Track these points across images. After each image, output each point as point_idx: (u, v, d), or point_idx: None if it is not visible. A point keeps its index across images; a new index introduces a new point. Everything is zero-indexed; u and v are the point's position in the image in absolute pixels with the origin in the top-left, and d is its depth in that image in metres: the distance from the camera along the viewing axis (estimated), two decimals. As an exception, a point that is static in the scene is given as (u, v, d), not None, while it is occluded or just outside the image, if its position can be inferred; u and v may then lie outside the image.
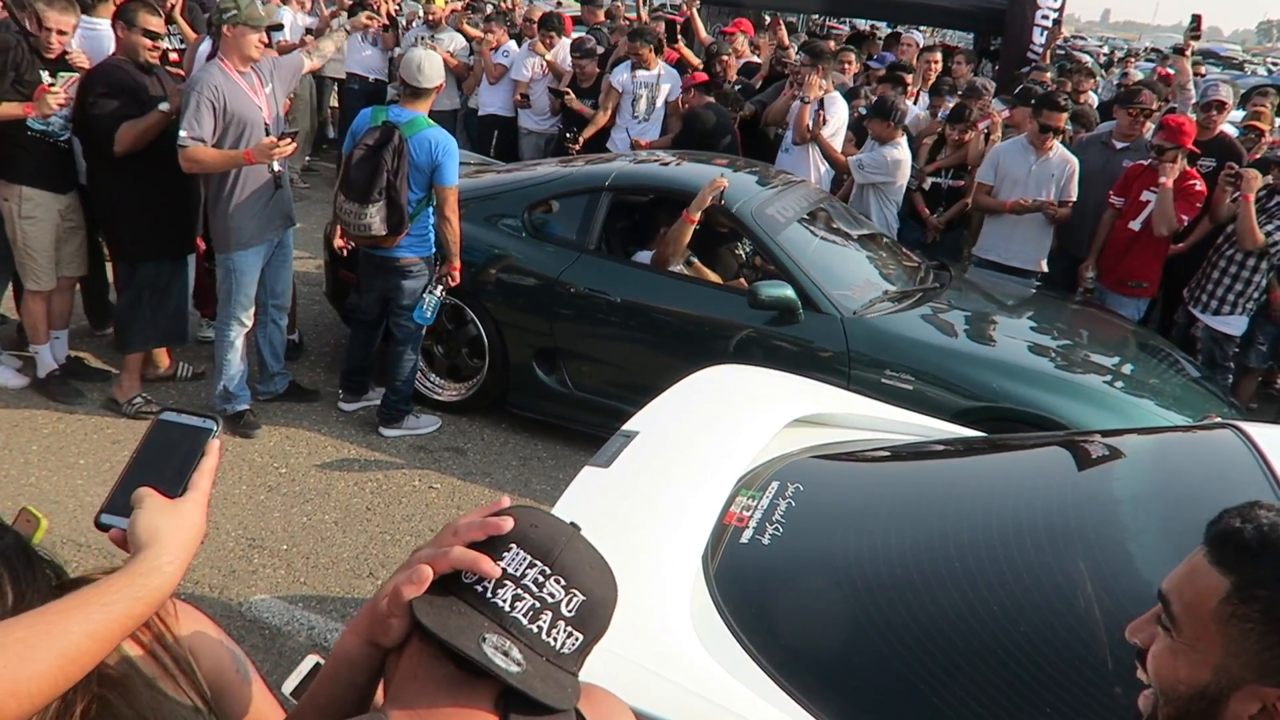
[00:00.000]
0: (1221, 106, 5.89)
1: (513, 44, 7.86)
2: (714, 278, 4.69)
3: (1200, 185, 5.21)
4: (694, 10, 8.03)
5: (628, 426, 2.69)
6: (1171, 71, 8.19)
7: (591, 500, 2.38)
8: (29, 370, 4.82)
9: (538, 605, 0.98)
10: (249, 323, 4.57)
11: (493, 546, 0.99)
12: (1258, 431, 2.37)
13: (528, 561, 0.99)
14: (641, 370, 4.42)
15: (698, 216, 4.45)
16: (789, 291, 4.16)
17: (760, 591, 2.18)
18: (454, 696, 0.98)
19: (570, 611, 0.99)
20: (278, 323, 4.79)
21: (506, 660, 0.94)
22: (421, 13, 8.38)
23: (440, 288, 4.47)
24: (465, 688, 0.98)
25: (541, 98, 7.44)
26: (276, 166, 4.37)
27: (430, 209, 4.41)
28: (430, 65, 4.33)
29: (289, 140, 4.26)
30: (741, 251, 5.08)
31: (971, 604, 2.05)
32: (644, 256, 4.69)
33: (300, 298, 5.69)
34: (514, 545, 0.99)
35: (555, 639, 0.99)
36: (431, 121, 4.36)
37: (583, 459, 2.54)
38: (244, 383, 4.64)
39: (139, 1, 4.28)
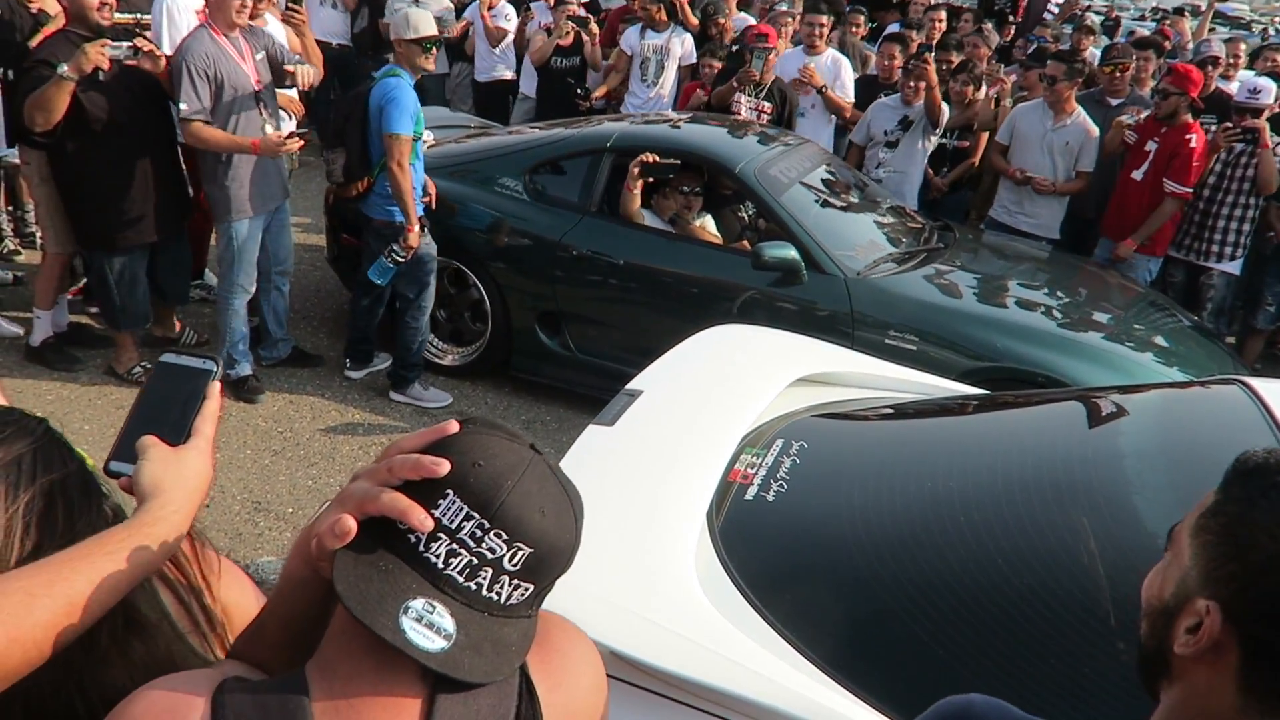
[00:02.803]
0: (1215, 62, 5.83)
1: (510, 7, 7.70)
2: (717, 239, 4.66)
3: (1194, 142, 5.17)
4: None
5: (631, 385, 2.69)
6: (1172, 30, 8.12)
7: (596, 458, 2.38)
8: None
9: (475, 562, 0.88)
10: (251, 289, 4.55)
11: (428, 491, 0.88)
12: (1263, 386, 2.36)
13: (464, 513, 0.88)
14: (644, 333, 4.41)
15: (634, 187, 4.49)
16: (792, 252, 4.14)
17: (765, 547, 2.19)
18: (377, 664, 0.90)
19: (514, 566, 0.89)
20: (280, 289, 4.78)
21: (430, 635, 0.86)
22: None
23: (394, 250, 4.28)
24: (388, 656, 0.89)
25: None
26: (286, 164, 4.35)
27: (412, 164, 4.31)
28: (416, 17, 4.25)
29: (296, 138, 4.24)
30: (745, 213, 5.06)
31: (975, 559, 2.05)
32: (651, 218, 4.66)
33: (300, 263, 5.68)
34: (450, 492, 0.88)
35: (499, 594, 0.90)
36: (398, 71, 4.25)
37: (586, 422, 2.54)
38: (246, 348, 4.63)
39: None
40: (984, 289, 4.44)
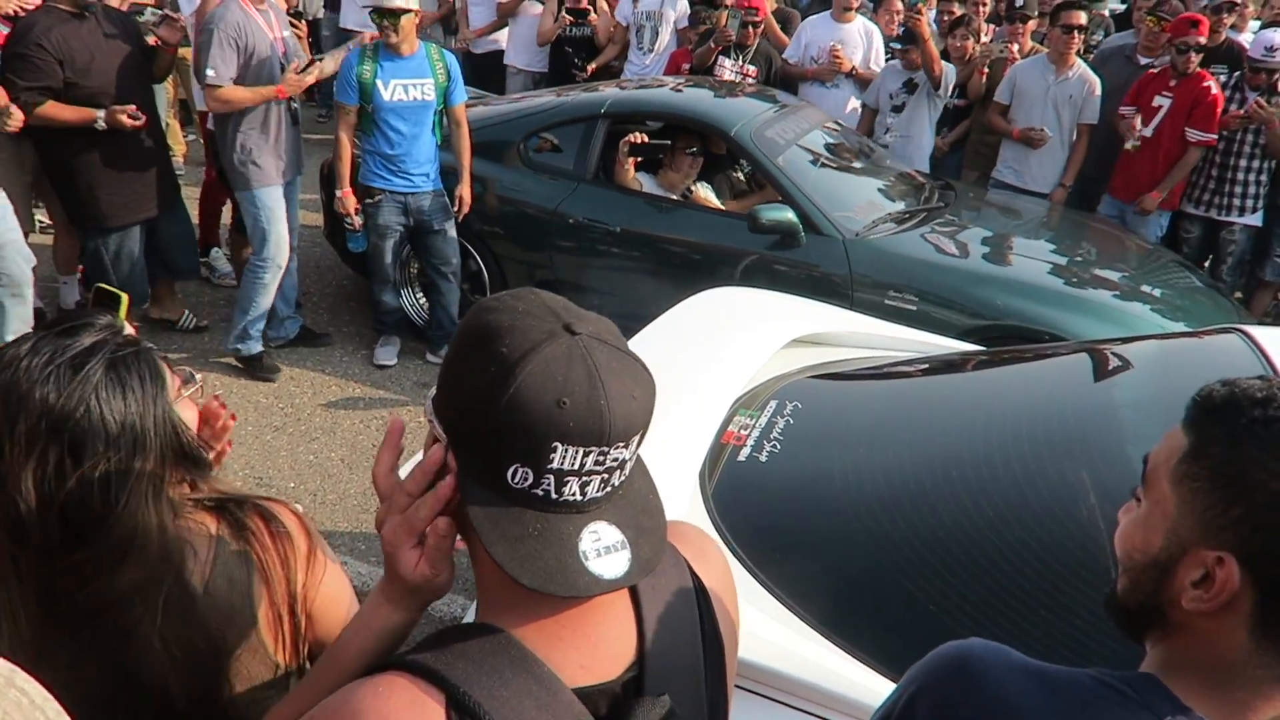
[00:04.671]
0: (1232, 8, 5.70)
1: None
2: (714, 203, 4.62)
3: (1214, 89, 5.08)
4: None
5: (624, 350, 2.66)
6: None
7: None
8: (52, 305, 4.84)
9: (608, 475, 0.87)
10: (284, 264, 4.52)
11: (535, 456, 0.85)
12: (1263, 334, 2.32)
13: (581, 453, 0.85)
14: (644, 299, 4.35)
15: (627, 162, 4.52)
16: (789, 214, 4.09)
17: (757, 508, 2.17)
18: (570, 603, 0.90)
19: (634, 452, 0.90)
20: (288, 267, 4.75)
21: (613, 560, 0.87)
22: None
23: (342, 217, 4.49)
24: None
25: (528, 27, 7.02)
26: (294, 103, 4.33)
27: (369, 135, 4.35)
28: None
29: (313, 65, 4.23)
30: (741, 175, 5.00)
31: (970, 515, 2.03)
32: (649, 184, 4.62)
33: (300, 239, 5.65)
34: (557, 444, 0.84)
35: (626, 473, 0.90)
36: (375, 43, 4.30)
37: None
38: (263, 326, 4.60)
39: None
40: (985, 247, 4.38)
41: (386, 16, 4.15)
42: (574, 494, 0.86)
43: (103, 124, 3.97)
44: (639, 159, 4.54)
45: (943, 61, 5.57)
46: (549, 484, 0.85)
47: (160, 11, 4.26)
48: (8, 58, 3.88)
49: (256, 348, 4.60)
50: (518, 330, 0.87)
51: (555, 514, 0.87)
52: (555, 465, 0.85)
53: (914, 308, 3.91)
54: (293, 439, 4.19)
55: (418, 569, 0.92)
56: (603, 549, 0.87)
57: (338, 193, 4.42)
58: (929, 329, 3.58)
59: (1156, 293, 4.13)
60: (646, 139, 4.49)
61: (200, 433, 1.30)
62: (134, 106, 4.00)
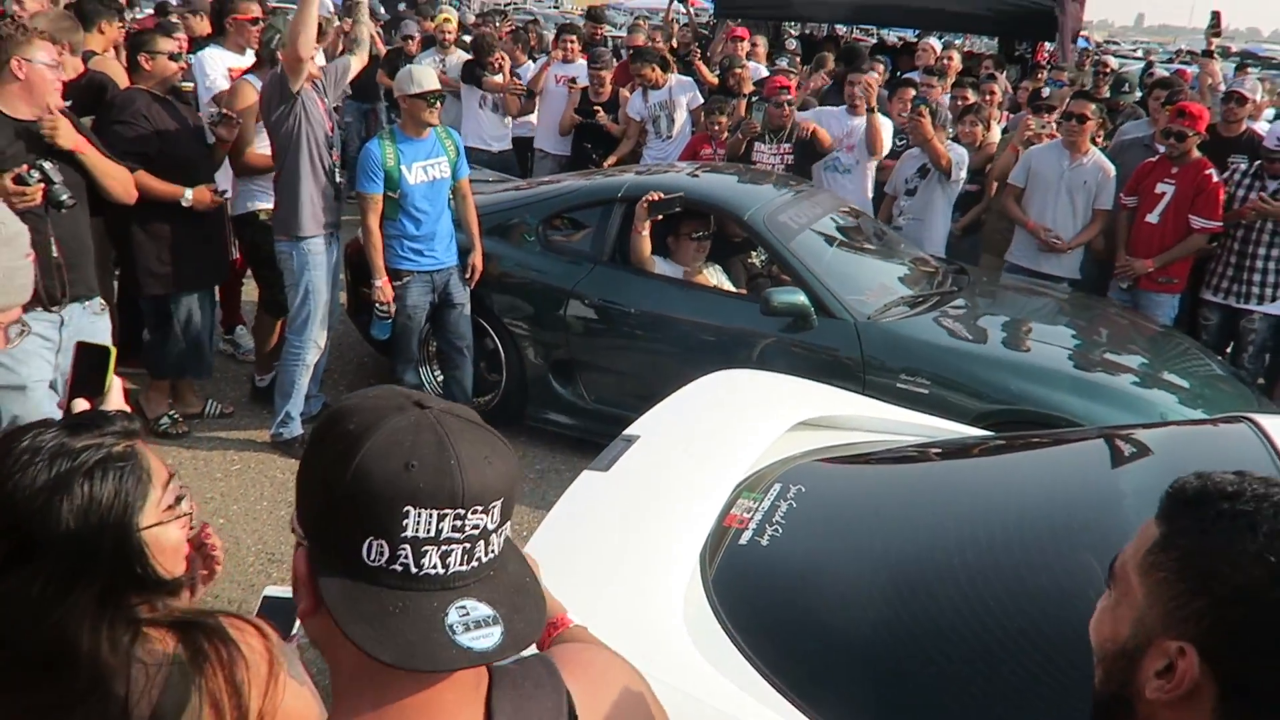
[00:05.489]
0: (1243, 100, 5.78)
1: (531, 64, 7.87)
2: (725, 285, 4.67)
3: (1215, 176, 5.13)
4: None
5: (629, 431, 2.68)
6: (1189, 71, 8.08)
7: (590, 504, 2.37)
8: None
9: (469, 545, 0.86)
10: (323, 343, 4.61)
11: (386, 526, 0.83)
12: (1272, 423, 2.30)
13: (436, 516, 0.84)
14: (657, 380, 4.36)
15: (643, 229, 4.53)
16: (801, 298, 4.13)
17: (757, 592, 2.15)
18: (426, 685, 0.88)
19: (496, 520, 0.88)
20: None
21: (483, 632, 0.85)
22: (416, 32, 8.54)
23: (377, 306, 4.48)
24: (436, 676, 0.88)
25: (555, 114, 7.30)
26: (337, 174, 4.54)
27: (395, 220, 4.42)
28: (419, 73, 4.37)
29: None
30: (756, 259, 5.07)
31: (973, 604, 2.00)
32: (662, 265, 4.69)
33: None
34: (408, 508, 0.83)
35: (495, 548, 0.89)
36: (390, 129, 4.47)
37: (601, 472, 2.54)
38: (301, 408, 4.65)
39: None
40: (999, 331, 4.39)
41: (429, 98, 4.33)
42: (435, 566, 0.84)
43: (189, 200, 4.25)
44: (659, 218, 4.56)
45: (958, 145, 5.67)
46: (406, 555, 0.83)
47: (219, 110, 4.53)
48: (108, 125, 4.13)
49: (298, 430, 4.65)
50: (365, 409, 0.88)
51: (418, 591, 0.84)
52: (409, 533, 0.83)
53: (926, 391, 3.90)
54: (306, 515, 4.21)
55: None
56: (471, 623, 0.85)
57: (377, 282, 4.43)
58: (942, 413, 3.57)
59: (1175, 380, 4.10)
60: (662, 196, 4.53)
61: (189, 556, 1.27)
62: (214, 185, 4.35)
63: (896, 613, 2.04)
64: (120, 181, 3.78)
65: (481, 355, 4.92)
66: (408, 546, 0.83)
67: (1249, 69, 12.60)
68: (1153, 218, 5.24)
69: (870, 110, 5.53)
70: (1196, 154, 5.20)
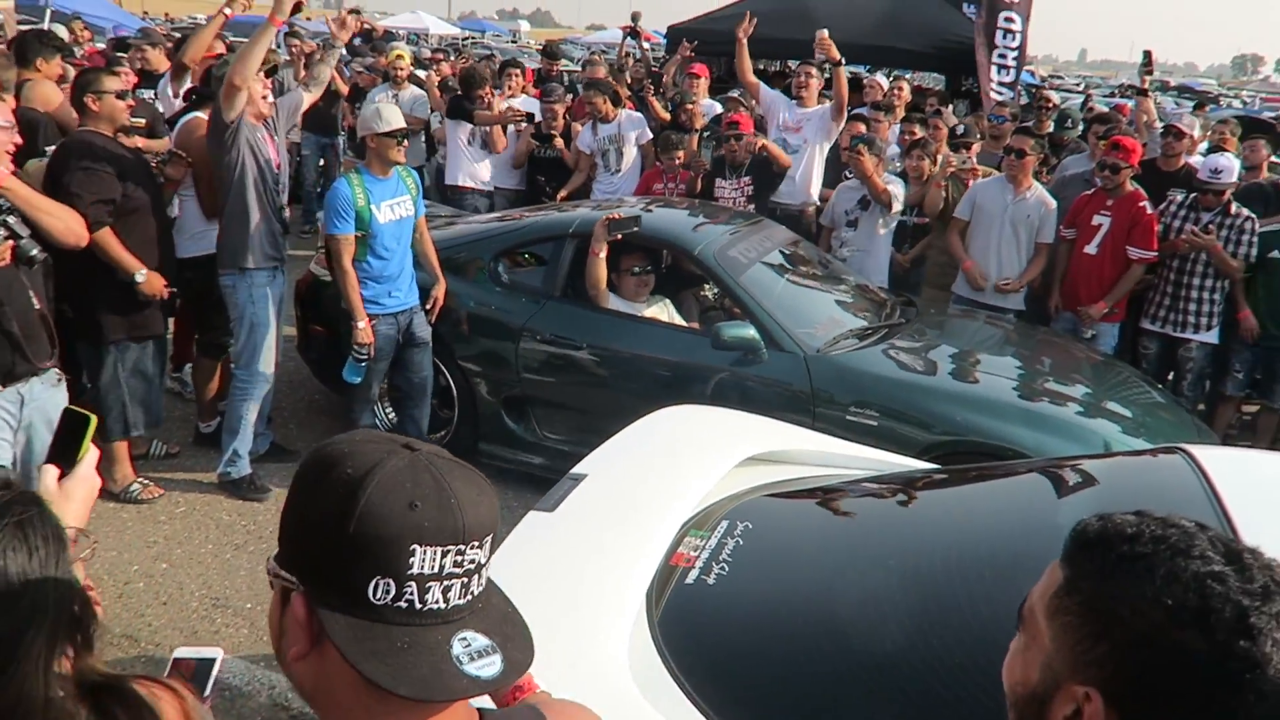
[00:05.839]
0: (1180, 134, 5.97)
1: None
2: (678, 320, 4.69)
3: (1149, 208, 5.30)
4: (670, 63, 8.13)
5: (576, 470, 2.67)
6: (1129, 105, 8.33)
7: (536, 545, 2.35)
8: None
9: (466, 579, 0.90)
10: (271, 378, 4.55)
11: (393, 563, 0.87)
12: (1205, 454, 2.35)
13: (439, 552, 0.88)
14: (609, 415, 4.34)
15: (600, 250, 4.51)
16: (750, 331, 4.16)
17: (703, 632, 2.14)
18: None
19: (488, 554, 0.93)
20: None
21: (485, 661, 0.89)
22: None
23: (354, 349, 4.37)
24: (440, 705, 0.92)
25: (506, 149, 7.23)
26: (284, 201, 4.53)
27: (363, 260, 4.38)
28: (387, 111, 4.36)
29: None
30: (709, 293, 5.10)
31: (918, 642, 2.01)
32: (615, 301, 4.70)
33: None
34: (415, 547, 0.87)
35: (483, 580, 0.93)
36: (356, 170, 4.43)
37: (554, 507, 2.52)
38: (249, 445, 4.57)
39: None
40: (946, 362, 4.45)
41: (397, 136, 4.33)
42: (437, 601, 0.88)
43: (141, 279, 4.14)
44: (618, 237, 4.53)
45: (896, 178, 5.79)
46: (411, 592, 0.87)
47: (170, 151, 4.49)
48: (70, 172, 3.97)
49: (246, 469, 4.58)
50: (357, 454, 0.91)
51: (421, 625, 0.88)
52: (415, 570, 0.86)
53: (876, 423, 3.94)
54: (253, 557, 4.13)
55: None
56: (474, 653, 0.89)
57: (360, 324, 4.33)
58: (892, 445, 3.60)
59: (1118, 409, 4.18)
60: (620, 215, 4.54)
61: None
62: (166, 282, 4.26)
63: (842, 652, 2.05)
64: (62, 220, 3.69)
65: (434, 392, 4.89)
66: (413, 583, 0.87)
67: (1207, 107, 13.00)
68: (1091, 249, 5.38)
69: (866, 175, 5.57)
70: (1131, 186, 5.36)
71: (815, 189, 6.32)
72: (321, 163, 9.36)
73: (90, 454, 1.30)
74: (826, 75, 6.78)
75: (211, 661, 1.20)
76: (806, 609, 2.18)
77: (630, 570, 2.27)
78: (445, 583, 0.88)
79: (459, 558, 0.88)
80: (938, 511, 2.45)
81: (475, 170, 7.08)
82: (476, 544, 0.90)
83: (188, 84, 5.37)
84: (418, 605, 0.87)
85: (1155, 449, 2.67)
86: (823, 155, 6.22)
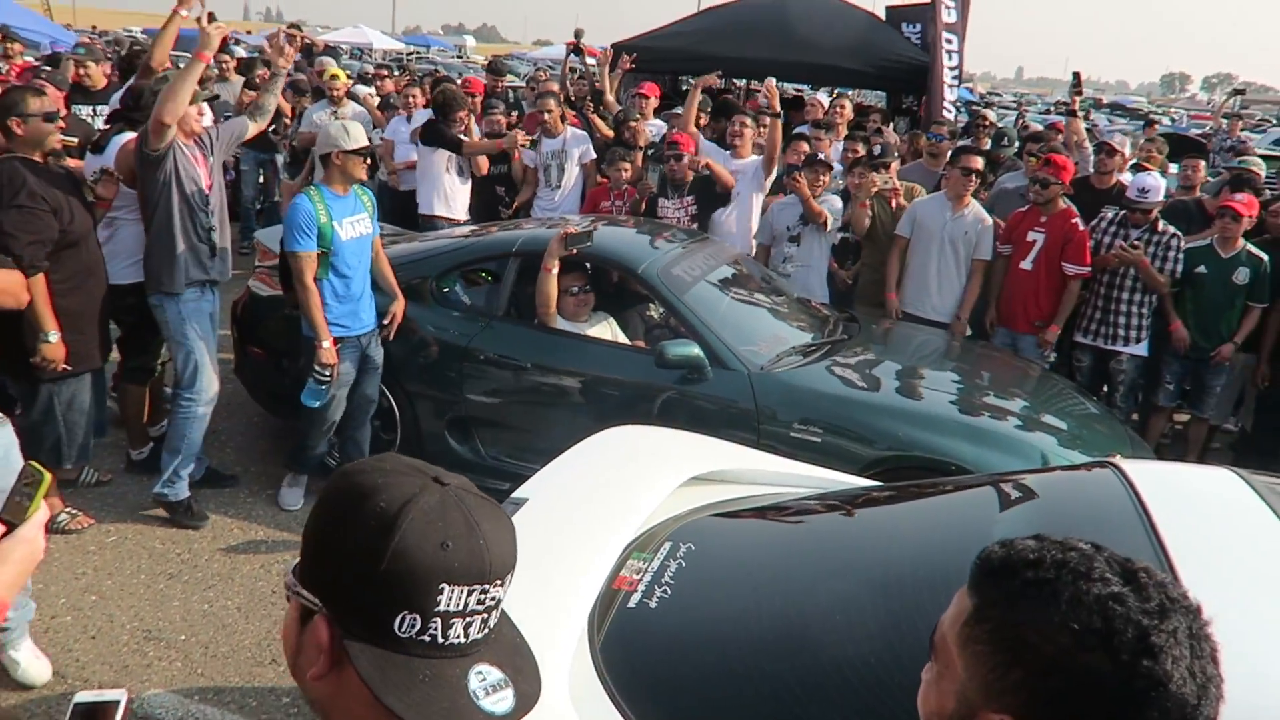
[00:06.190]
0: (1112, 151, 6.14)
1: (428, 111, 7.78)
2: (622, 339, 4.68)
3: (1081, 224, 5.44)
4: (606, 72, 8.14)
5: (517, 493, 2.64)
6: (1062, 121, 8.56)
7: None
8: None
9: (486, 615, 0.92)
10: (215, 395, 4.44)
11: (422, 599, 0.88)
12: (1135, 469, 2.40)
13: (466, 591, 0.90)
14: (555, 434, 4.32)
15: (553, 265, 4.48)
16: (695, 350, 4.17)
17: (644, 657, 2.12)
18: None
19: (507, 590, 0.95)
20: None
21: (500, 696, 0.90)
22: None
23: (316, 371, 4.27)
24: None
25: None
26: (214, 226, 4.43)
27: (324, 278, 4.29)
28: (354, 129, 4.29)
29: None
30: (654, 312, 5.10)
31: (859, 662, 2.02)
32: (561, 321, 4.67)
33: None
34: (444, 586, 0.88)
35: (498, 616, 0.95)
36: (315, 186, 4.35)
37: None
38: (190, 468, 4.46)
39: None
40: (889, 379, 4.50)
41: (363, 154, 4.26)
42: (458, 636, 0.90)
43: (53, 339, 3.85)
44: (573, 251, 4.50)
45: (833, 196, 5.88)
46: (436, 628, 0.89)
47: (102, 169, 4.35)
48: (3, 209, 3.71)
49: (185, 493, 4.45)
50: (390, 486, 0.91)
51: (442, 659, 0.90)
52: (442, 607, 0.88)
53: (819, 440, 3.97)
54: (187, 587, 4.01)
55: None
56: (489, 687, 0.91)
57: (323, 344, 4.22)
58: (836, 461, 3.62)
59: (1055, 422, 4.26)
60: (577, 230, 4.52)
61: None
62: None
63: (783, 674, 2.04)
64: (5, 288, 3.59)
65: (376, 414, 4.81)
66: (438, 620, 0.89)
67: (1156, 127, 13.35)
68: (1026, 264, 5.50)
69: (804, 199, 5.64)
70: (1063, 203, 5.49)
71: (751, 238, 6.12)
72: (261, 179, 9.22)
73: (40, 513, 1.25)
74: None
75: (115, 704, 1.16)
76: (749, 631, 2.17)
77: (572, 595, 2.24)
78: (468, 619, 0.90)
79: (483, 595, 0.91)
80: (879, 530, 2.46)
81: (454, 200, 6.72)
82: (499, 582, 0.92)
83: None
84: (440, 640, 0.89)
85: (1089, 463, 2.72)
86: (757, 205, 6.08)
